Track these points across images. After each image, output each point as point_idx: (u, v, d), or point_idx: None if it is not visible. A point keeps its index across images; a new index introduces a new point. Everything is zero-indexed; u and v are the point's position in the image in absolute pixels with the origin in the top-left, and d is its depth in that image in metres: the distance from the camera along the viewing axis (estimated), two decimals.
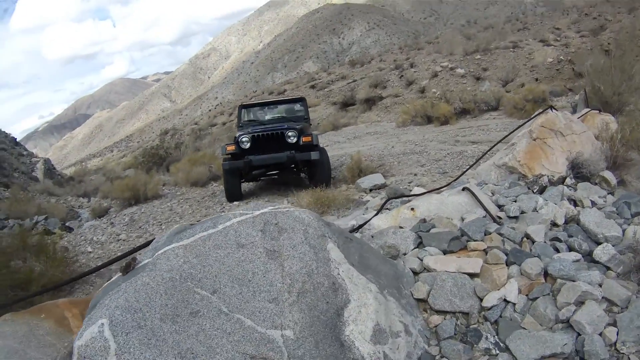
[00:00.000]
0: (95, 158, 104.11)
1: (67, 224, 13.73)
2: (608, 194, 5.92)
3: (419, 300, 3.91)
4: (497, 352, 3.54)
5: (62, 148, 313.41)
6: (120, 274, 2.91)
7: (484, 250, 4.39)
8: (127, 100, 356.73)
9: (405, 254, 4.40)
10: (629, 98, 12.08)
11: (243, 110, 14.59)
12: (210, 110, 79.83)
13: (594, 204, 5.46)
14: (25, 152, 33.66)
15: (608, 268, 4.14)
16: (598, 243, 4.46)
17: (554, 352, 3.38)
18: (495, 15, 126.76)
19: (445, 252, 4.43)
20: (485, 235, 4.60)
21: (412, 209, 5.30)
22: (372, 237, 4.77)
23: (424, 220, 4.99)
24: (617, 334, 3.47)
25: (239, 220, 3.11)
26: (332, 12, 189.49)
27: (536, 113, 7.53)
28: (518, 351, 3.45)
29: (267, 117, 14.48)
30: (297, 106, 14.70)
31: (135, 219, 11.95)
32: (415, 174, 11.60)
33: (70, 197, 20.81)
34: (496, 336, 3.66)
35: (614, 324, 3.56)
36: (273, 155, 11.37)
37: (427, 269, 4.18)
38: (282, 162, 11.41)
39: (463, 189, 5.50)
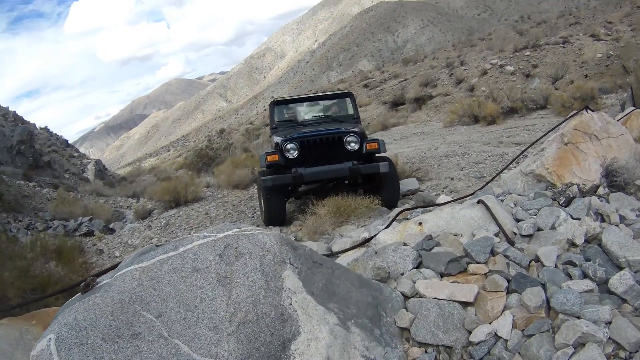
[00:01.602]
0: (151, 157, 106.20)
1: (110, 226, 14.11)
2: None
3: (402, 329, 3.64)
4: None
5: (119, 148, 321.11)
6: (81, 293, 2.98)
7: (485, 274, 4.02)
8: (183, 101, 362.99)
9: (402, 274, 4.15)
10: None
11: (276, 107, 11.29)
12: (265, 110, 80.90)
13: (622, 219, 4.78)
14: (76, 154, 34.63)
15: (625, 300, 3.64)
16: (620, 268, 3.94)
17: None
18: (548, 10, 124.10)
19: (442, 275, 4.10)
20: (491, 256, 4.20)
21: (420, 223, 4.97)
22: (376, 253, 4.53)
23: (430, 237, 4.66)
24: None
25: (200, 244, 3.12)
26: (385, 10, 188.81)
27: (570, 114, 7.13)
28: None
29: (307, 117, 11.46)
30: (345, 103, 11.65)
31: (171, 222, 12.15)
32: (452, 179, 11.24)
33: (120, 198, 21.36)
34: None
35: None
36: (332, 168, 8.89)
37: (418, 294, 3.88)
38: (343, 176, 9.05)
39: (478, 202, 5.07)
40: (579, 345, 3.18)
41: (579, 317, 3.35)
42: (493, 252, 4.20)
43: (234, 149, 28.85)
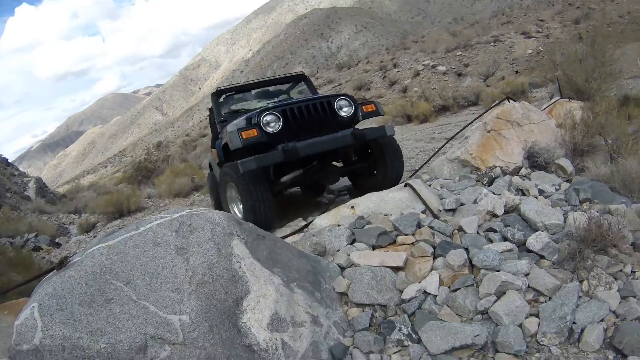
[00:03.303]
0: (89, 174, 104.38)
1: (56, 240, 14.15)
2: (565, 181, 5.92)
3: (341, 294, 4.10)
4: (409, 343, 3.63)
5: (57, 166, 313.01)
6: (56, 269, 3.36)
7: (412, 243, 4.52)
8: (119, 115, 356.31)
9: (338, 251, 4.61)
10: (601, 85, 12.22)
11: (220, 98, 9.22)
12: (201, 121, 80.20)
13: (541, 192, 5.46)
14: (17, 172, 33.98)
15: (542, 257, 4.17)
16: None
17: (465, 343, 3.43)
18: (482, 11, 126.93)
19: (374, 248, 4.60)
20: (418, 229, 4.69)
21: (352, 207, 5.49)
22: (313, 235, 4.99)
23: (362, 218, 5.13)
24: (539, 325, 3.54)
25: (158, 223, 3.54)
26: (319, 17, 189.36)
27: (493, 105, 7.68)
28: (429, 342, 3.52)
29: (261, 106, 8.76)
30: (300, 87, 9.95)
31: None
32: None
33: (62, 214, 21.18)
34: (410, 328, 3.74)
35: (537, 314, 3.62)
36: (330, 137, 6.91)
37: (353, 264, 4.35)
38: (346, 144, 6.98)
39: (405, 185, 5.63)
40: (501, 293, 3.71)
41: (497, 271, 3.89)
42: (419, 226, 4.77)
43: (172, 160, 28.91)
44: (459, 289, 3.92)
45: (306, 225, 5.65)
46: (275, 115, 6.78)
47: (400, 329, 3.71)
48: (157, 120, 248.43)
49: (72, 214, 20.84)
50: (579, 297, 3.69)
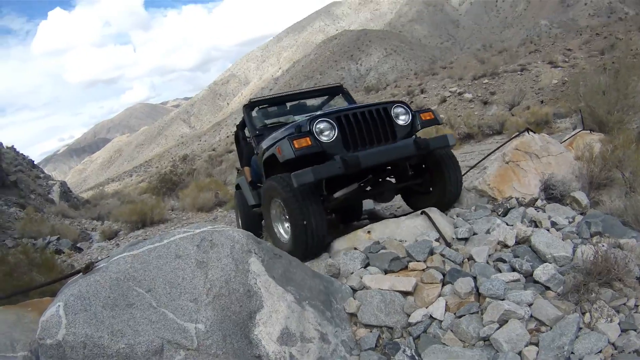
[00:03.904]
0: (114, 182, 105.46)
1: (78, 245, 14.44)
2: (579, 214, 5.93)
3: (351, 314, 4.30)
4: None
5: (82, 171, 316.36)
6: (82, 272, 3.61)
7: (423, 270, 4.69)
8: (146, 125, 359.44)
9: (352, 273, 4.80)
10: (623, 117, 12.21)
11: (253, 111, 8.44)
12: (227, 137, 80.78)
13: (554, 224, 5.48)
14: (42, 175, 34.55)
15: (548, 288, 4.27)
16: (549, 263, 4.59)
17: None
18: (510, 38, 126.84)
19: (386, 272, 4.76)
20: (429, 255, 4.85)
21: (369, 232, 5.64)
22: (330, 257, 5.26)
23: (377, 243, 5.28)
24: (537, 354, 3.62)
25: (181, 237, 3.78)
26: (349, 39, 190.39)
27: (512, 136, 7.72)
28: None
29: (299, 119, 7.59)
30: (340, 100, 9.04)
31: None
32: None
33: (85, 220, 21.55)
34: (414, 350, 3.88)
35: (537, 343, 3.71)
36: (392, 147, 6.08)
37: (365, 287, 4.54)
38: (409, 155, 6.17)
39: (421, 213, 5.75)
40: (503, 321, 3.84)
41: (502, 300, 4.03)
42: (432, 253, 4.91)
43: (197, 174, 29.25)
44: (464, 315, 4.06)
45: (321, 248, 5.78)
46: (329, 122, 5.90)
47: (404, 351, 3.85)
48: (184, 133, 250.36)
49: (95, 220, 21.22)
50: (580, 328, 3.78)
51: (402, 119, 6.31)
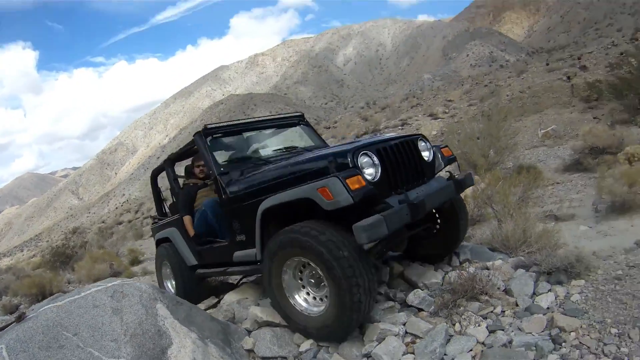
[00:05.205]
0: (5, 257, 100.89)
1: None
2: None
3: (249, 350, 5.00)
4: None
5: None
6: (15, 322, 4.29)
7: None
8: (35, 197, 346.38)
9: (246, 319, 5.57)
10: (500, 158, 13.55)
11: (211, 142, 6.66)
12: (117, 208, 79.18)
13: None
14: None
15: (421, 309, 4.98)
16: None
17: None
18: (394, 94, 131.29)
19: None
20: None
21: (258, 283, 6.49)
22: (226, 305, 6.03)
23: None
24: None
25: (96, 289, 4.47)
26: (235, 103, 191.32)
27: None
28: None
29: (265, 153, 7.12)
30: (304, 130, 7.82)
31: None
32: None
33: None
34: None
35: (413, 352, 4.33)
36: (439, 187, 5.40)
37: (257, 322, 5.27)
38: (451, 197, 5.60)
39: None
40: (381, 339, 4.58)
41: (379, 322, 4.81)
42: None
43: (89, 246, 29.07)
44: (347, 340, 4.82)
45: (218, 302, 6.57)
46: (371, 157, 4.88)
47: None
48: (73, 205, 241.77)
49: None
50: (451, 335, 4.45)
51: (427, 155, 5.66)
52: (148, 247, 23.50)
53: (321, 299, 4.82)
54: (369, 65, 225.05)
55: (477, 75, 61.10)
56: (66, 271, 22.23)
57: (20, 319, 4.24)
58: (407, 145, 5.36)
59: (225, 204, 5.96)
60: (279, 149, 7.08)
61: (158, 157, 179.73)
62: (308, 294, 4.93)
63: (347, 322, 4.52)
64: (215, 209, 6.54)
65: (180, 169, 8.10)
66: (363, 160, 4.77)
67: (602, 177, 8.67)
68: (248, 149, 7.17)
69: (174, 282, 7.62)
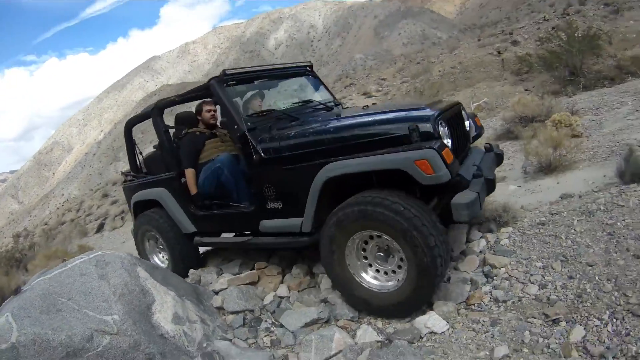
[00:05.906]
0: None
1: None
2: None
3: (219, 308, 5.51)
4: (274, 328, 5.05)
5: None
6: (13, 295, 4.65)
7: (265, 267, 6.16)
8: None
9: (211, 283, 6.11)
10: None
11: (229, 89, 5.71)
12: (58, 209, 77.60)
13: None
14: None
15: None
16: None
17: (313, 319, 4.84)
18: (327, 75, 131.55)
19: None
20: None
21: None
22: (193, 273, 6.53)
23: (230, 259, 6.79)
24: None
25: (80, 261, 4.85)
26: (169, 93, 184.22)
27: None
28: (288, 324, 4.94)
29: (281, 104, 6.48)
30: (315, 82, 6.99)
31: None
32: None
33: None
34: (273, 319, 5.21)
35: None
36: (489, 158, 5.34)
37: (223, 288, 5.83)
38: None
39: None
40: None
41: None
42: (271, 255, 6.58)
43: (38, 247, 28.87)
44: (305, 288, 5.53)
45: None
46: (443, 125, 4.45)
47: (266, 321, 5.19)
48: (14, 210, 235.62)
49: None
50: None
51: (467, 125, 5.35)
52: (95, 242, 23.56)
53: (392, 272, 4.51)
54: (301, 47, 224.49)
55: (410, 53, 61.15)
56: (20, 272, 22.11)
57: (17, 291, 4.62)
58: (459, 114, 5.12)
59: (255, 166, 5.20)
60: (297, 103, 6.36)
61: (94, 154, 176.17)
62: (377, 270, 4.61)
63: (428, 293, 4.32)
64: (234, 166, 5.87)
65: (170, 118, 7.04)
66: (442, 129, 4.35)
67: (529, 141, 9.28)
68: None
69: (164, 255, 6.95)
